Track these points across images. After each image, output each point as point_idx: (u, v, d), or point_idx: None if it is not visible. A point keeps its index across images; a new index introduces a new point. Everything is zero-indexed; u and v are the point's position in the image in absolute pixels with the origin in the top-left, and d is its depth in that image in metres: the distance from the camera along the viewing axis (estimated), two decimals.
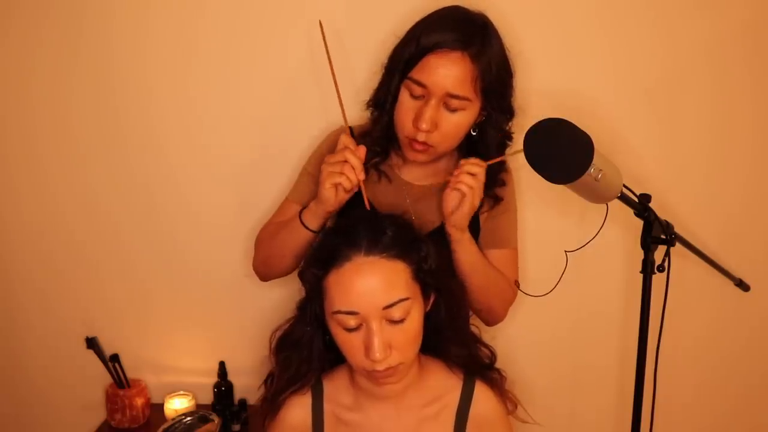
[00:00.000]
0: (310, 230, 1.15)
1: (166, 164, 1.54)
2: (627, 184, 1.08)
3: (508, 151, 1.22)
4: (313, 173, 1.26)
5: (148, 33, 1.46)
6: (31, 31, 1.46)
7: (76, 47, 1.46)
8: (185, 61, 1.47)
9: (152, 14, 1.44)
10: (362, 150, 1.10)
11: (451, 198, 1.12)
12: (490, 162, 1.13)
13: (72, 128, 1.52)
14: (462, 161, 1.11)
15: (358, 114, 1.26)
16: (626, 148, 1.42)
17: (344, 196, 1.11)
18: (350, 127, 1.18)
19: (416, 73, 1.08)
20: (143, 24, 1.45)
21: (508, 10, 1.17)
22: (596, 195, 1.03)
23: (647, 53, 1.44)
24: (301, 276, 1.03)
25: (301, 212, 1.17)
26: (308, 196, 1.22)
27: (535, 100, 1.27)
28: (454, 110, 1.10)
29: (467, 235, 1.16)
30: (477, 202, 1.12)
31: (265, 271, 1.30)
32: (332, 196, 1.10)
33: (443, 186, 1.16)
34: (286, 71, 1.47)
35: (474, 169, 1.10)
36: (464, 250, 1.16)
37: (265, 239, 1.28)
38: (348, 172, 1.07)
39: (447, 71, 1.06)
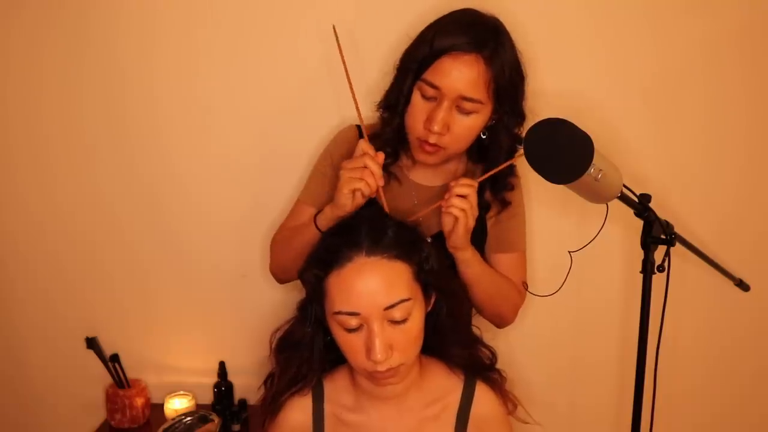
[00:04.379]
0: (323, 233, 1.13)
1: (169, 164, 1.54)
2: (627, 184, 1.08)
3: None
4: (325, 173, 1.26)
5: (156, 32, 1.46)
6: (39, 31, 1.46)
7: (83, 46, 1.46)
8: (192, 60, 1.47)
9: (159, 13, 1.44)
10: (381, 156, 1.09)
11: (445, 222, 1.11)
12: (482, 178, 1.13)
13: (78, 127, 1.52)
14: (452, 183, 1.09)
15: (367, 114, 1.25)
16: (626, 148, 1.42)
17: (361, 202, 1.10)
18: (358, 126, 1.17)
19: (429, 75, 1.08)
20: (151, 24, 1.45)
21: (508, 11, 1.17)
22: (596, 195, 1.03)
23: (646, 54, 1.44)
24: (301, 276, 1.03)
25: (315, 217, 1.15)
26: (320, 197, 1.22)
27: (535, 101, 1.27)
28: (466, 113, 1.10)
29: (469, 253, 1.15)
30: (472, 222, 1.10)
31: (282, 275, 1.30)
32: (349, 202, 1.08)
33: (443, 192, 1.15)
34: (295, 70, 1.47)
35: (464, 190, 1.08)
36: (468, 267, 1.16)
37: (280, 244, 1.28)
38: (368, 178, 1.06)
39: (460, 74, 1.06)
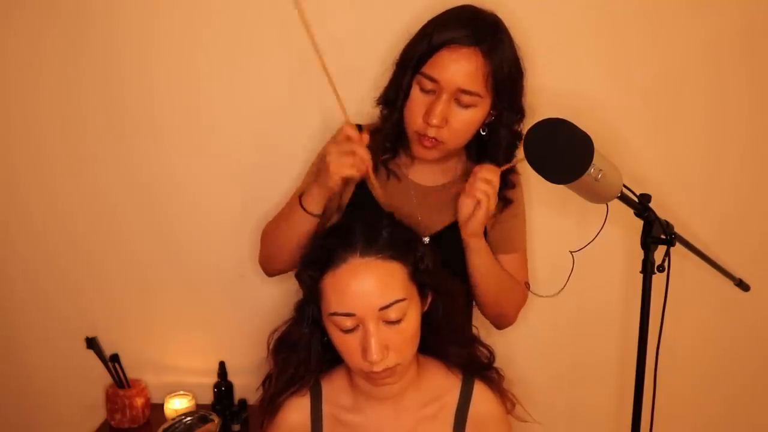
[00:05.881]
0: (311, 214, 1.14)
1: (168, 164, 1.54)
2: (627, 184, 1.07)
3: (517, 152, 1.22)
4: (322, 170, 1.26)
5: (153, 32, 1.46)
6: (39, 31, 1.46)
7: (82, 46, 1.46)
8: (191, 60, 1.47)
9: (158, 13, 1.44)
10: (366, 137, 1.09)
11: (465, 205, 1.11)
12: (503, 168, 1.13)
13: (77, 127, 1.52)
14: (476, 168, 1.10)
15: (369, 111, 1.26)
16: (626, 148, 1.41)
17: (351, 186, 1.11)
18: (359, 126, 1.17)
19: (428, 68, 1.08)
20: (148, 23, 1.45)
21: (509, 10, 1.17)
22: (596, 195, 1.03)
23: (646, 53, 1.44)
24: (297, 278, 1.03)
25: (300, 198, 1.15)
26: None
27: (534, 100, 1.27)
28: (465, 106, 1.10)
29: (483, 243, 1.16)
30: (492, 208, 1.11)
31: (269, 265, 1.29)
32: (338, 186, 1.10)
33: (450, 187, 1.15)
34: (294, 69, 1.46)
35: (489, 175, 1.09)
36: (480, 258, 1.16)
37: (269, 232, 1.27)
38: (358, 164, 1.07)
39: (459, 66, 1.07)
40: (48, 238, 1.60)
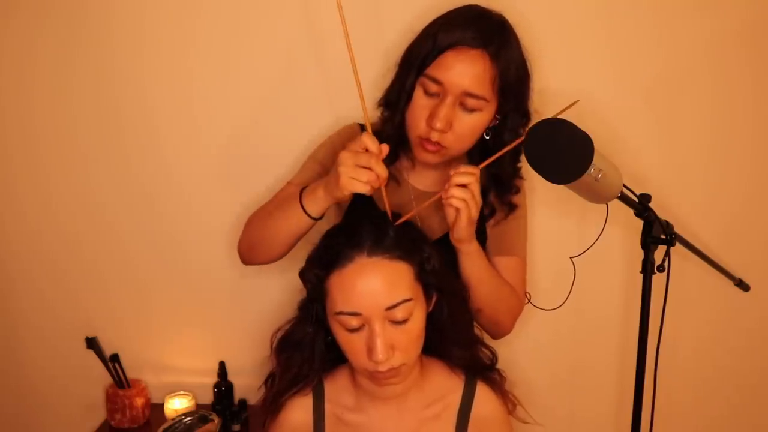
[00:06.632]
0: (311, 216, 1.08)
1: (165, 164, 1.54)
2: (627, 184, 1.07)
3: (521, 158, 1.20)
4: (323, 162, 1.22)
5: (147, 28, 1.46)
6: (32, 30, 1.46)
7: (75, 46, 1.46)
8: (186, 60, 1.47)
9: (151, 13, 1.44)
10: (386, 149, 1.01)
11: (447, 214, 1.06)
12: (481, 165, 1.07)
13: (71, 128, 1.53)
14: (452, 172, 1.03)
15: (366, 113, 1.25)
16: (626, 148, 1.41)
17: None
18: (361, 125, 1.14)
19: (433, 70, 1.05)
20: (142, 20, 1.45)
21: (514, 9, 1.17)
22: (596, 195, 1.03)
23: (648, 53, 1.44)
24: (302, 276, 1.02)
25: (300, 196, 1.09)
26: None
27: (537, 99, 1.27)
28: (470, 110, 1.07)
29: (474, 247, 1.11)
30: (475, 213, 1.04)
31: (250, 255, 1.22)
32: (346, 198, 1.04)
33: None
34: (291, 71, 1.47)
35: (464, 179, 1.02)
36: (471, 263, 1.12)
37: (257, 220, 1.20)
38: (373, 182, 0.99)
39: (465, 69, 1.03)
40: (44, 239, 1.60)
